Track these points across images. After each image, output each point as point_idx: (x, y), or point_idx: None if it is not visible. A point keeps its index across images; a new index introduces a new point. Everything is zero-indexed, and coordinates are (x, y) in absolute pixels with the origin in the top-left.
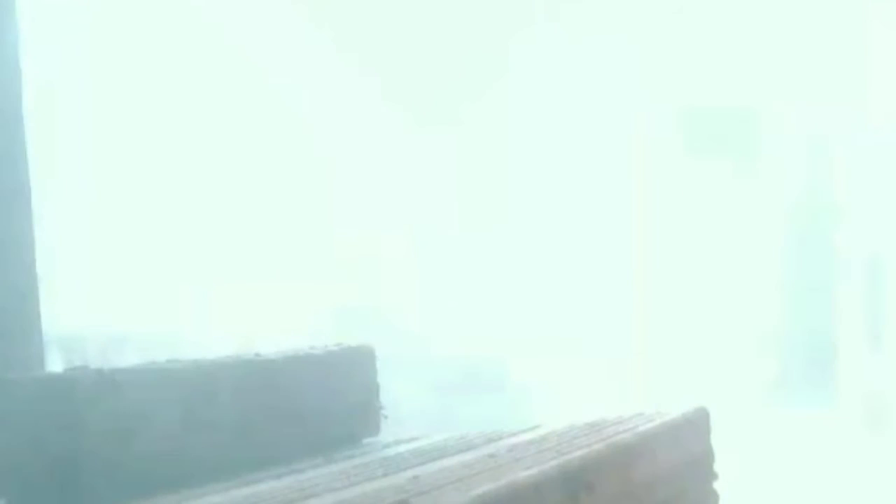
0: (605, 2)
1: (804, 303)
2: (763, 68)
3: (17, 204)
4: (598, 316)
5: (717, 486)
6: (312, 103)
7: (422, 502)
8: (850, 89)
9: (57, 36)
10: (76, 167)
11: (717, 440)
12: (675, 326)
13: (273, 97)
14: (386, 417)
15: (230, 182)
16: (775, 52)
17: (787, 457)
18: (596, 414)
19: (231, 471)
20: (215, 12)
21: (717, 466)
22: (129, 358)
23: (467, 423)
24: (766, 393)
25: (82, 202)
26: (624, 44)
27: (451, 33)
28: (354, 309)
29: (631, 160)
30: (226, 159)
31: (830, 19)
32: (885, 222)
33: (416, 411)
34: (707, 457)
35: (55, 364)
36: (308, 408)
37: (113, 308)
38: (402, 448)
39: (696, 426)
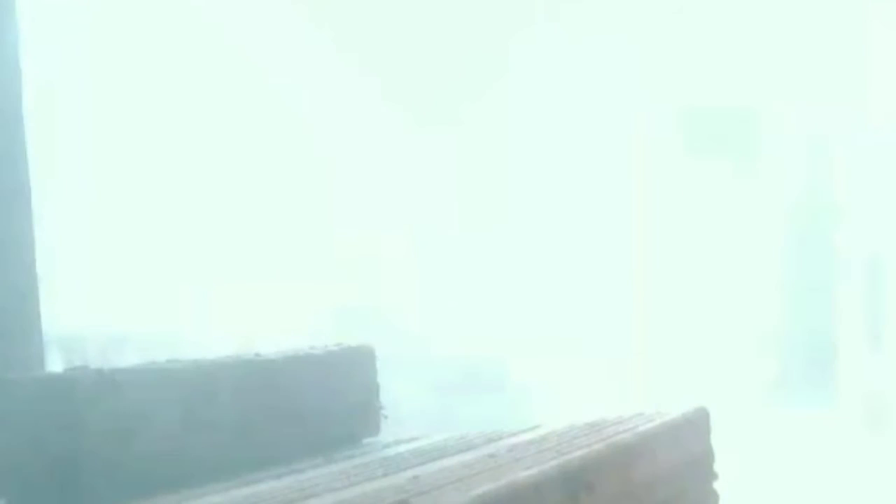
0: (605, 2)
1: (804, 302)
2: (763, 68)
3: (17, 204)
4: (598, 316)
5: (718, 486)
6: (312, 103)
7: (422, 502)
8: (850, 89)
9: (57, 36)
10: (76, 167)
11: (716, 440)
12: (675, 326)
13: (273, 97)
14: (386, 417)
15: (230, 182)
16: (775, 51)
17: (787, 457)
18: (596, 414)
19: (231, 471)
20: (215, 12)
21: (718, 466)
22: (129, 358)
23: (467, 423)
24: (766, 393)
25: (82, 202)
26: (624, 44)
27: (451, 33)
28: (354, 309)
29: (631, 160)
30: (226, 159)
31: (830, 19)
32: (886, 222)
33: (416, 411)
34: (707, 457)
35: (55, 364)
36: (308, 408)
37: (113, 308)
38: (402, 448)
39: (696, 426)
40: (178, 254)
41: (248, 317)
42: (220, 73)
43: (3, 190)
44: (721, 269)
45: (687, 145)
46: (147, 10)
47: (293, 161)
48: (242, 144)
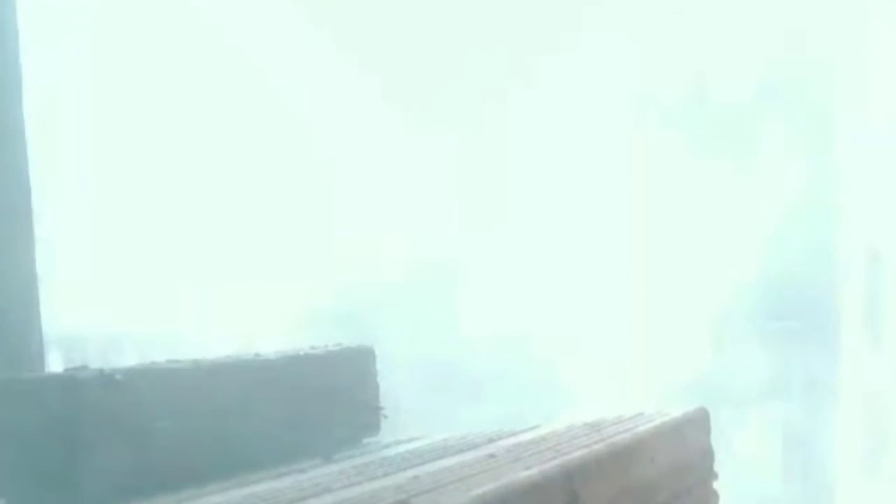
0: (605, 2)
1: (804, 302)
2: (763, 68)
3: (17, 204)
4: (598, 316)
5: (717, 486)
6: (312, 103)
7: (422, 502)
8: (850, 89)
9: (57, 35)
10: (76, 167)
11: (716, 440)
12: (675, 326)
13: (273, 97)
14: (386, 417)
15: (230, 182)
16: (775, 51)
17: (786, 457)
18: (596, 414)
19: (231, 471)
20: (215, 12)
21: (717, 466)
22: (129, 358)
23: (467, 423)
24: (766, 392)
25: (82, 202)
26: (624, 44)
27: (451, 33)
28: (354, 308)
29: (630, 160)
30: (226, 159)
31: (830, 19)
32: (886, 222)
33: (416, 411)
34: (707, 457)
35: (55, 364)
36: (308, 408)
37: (113, 308)
38: (402, 448)
39: (696, 426)
40: (178, 254)
41: (248, 317)
42: (219, 73)
43: (2, 190)
44: (721, 269)
45: (687, 145)
46: (146, 10)
47: (293, 161)
48: (242, 144)
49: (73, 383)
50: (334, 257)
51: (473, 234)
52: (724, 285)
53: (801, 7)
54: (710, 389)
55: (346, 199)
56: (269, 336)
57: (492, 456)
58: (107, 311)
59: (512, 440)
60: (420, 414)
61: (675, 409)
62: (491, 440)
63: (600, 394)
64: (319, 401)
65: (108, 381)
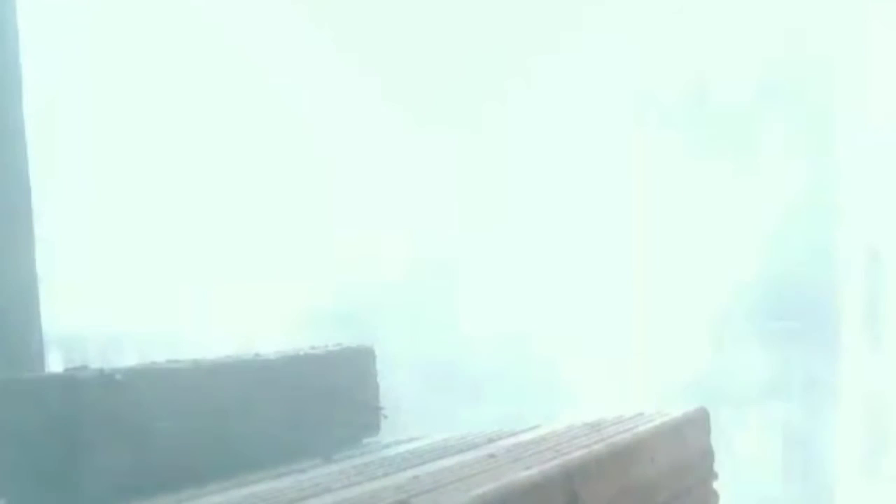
0: (605, 2)
1: (804, 302)
2: (763, 68)
3: (16, 204)
4: (598, 316)
5: (717, 486)
6: (312, 103)
7: (422, 502)
8: (850, 89)
9: (56, 35)
10: (76, 167)
11: (716, 440)
12: (675, 326)
13: (273, 97)
14: (386, 417)
15: (230, 182)
16: (775, 51)
17: (786, 457)
18: (596, 414)
19: (231, 471)
20: (215, 12)
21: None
22: (129, 358)
23: (467, 423)
24: (766, 392)
25: (82, 202)
26: (624, 44)
27: (451, 33)
28: (354, 308)
29: (630, 160)
30: (226, 159)
31: (830, 19)
32: (886, 222)
33: (416, 411)
34: (707, 457)
35: (55, 364)
36: (308, 408)
37: (113, 308)
38: (402, 448)
39: (696, 426)
40: (178, 254)
41: (248, 317)
42: (219, 73)
43: (2, 190)
44: (720, 269)
45: (687, 145)
46: (146, 10)
47: (293, 161)
48: (242, 144)
49: (73, 383)
50: (334, 257)
51: (473, 234)
52: (724, 285)
53: (801, 7)
54: (710, 389)
55: (346, 199)
56: (269, 336)
57: (492, 456)
58: (107, 311)
59: (512, 440)
60: (420, 414)
61: (675, 409)
62: (491, 440)
63: (600, 394)
64: (319, 401)
65: (108, 381)
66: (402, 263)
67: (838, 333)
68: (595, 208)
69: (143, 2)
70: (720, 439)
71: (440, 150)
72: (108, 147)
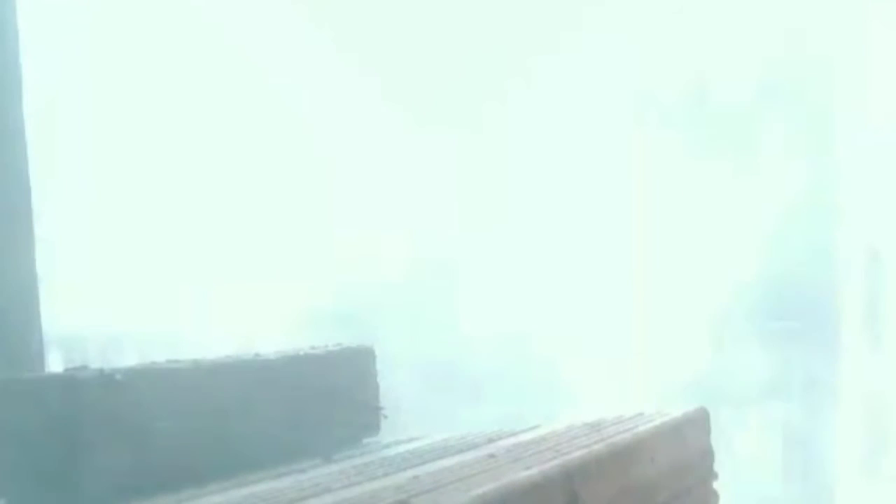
0: (605, 2)
1: (804, 302)
2: (763, 68)
3: (16, 204)
4: (598, 316)
5: (717, 485)
6: (312, 103)
7: (422, 502)
8: (850, 89)
9: (56, 35)
10: (76, 167)
11: (715, 440)
12: (675, 326)
13: (273, 97)
14: (386, 417)
15: (230, 182)
16: (776, 51)
17: (786, 457)
18: (596, 414)
19: (231, 471)
20: (215, 12)
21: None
22: (129, 358)
23: (467, 423)
24: (766, 392)
25: (82, 202)
26: (624, 44)
27: (451, 33)
28: (354, 308)
29: (630, 160)
30: (226, 159)
31: (830, 19)
32: (886, 222)
33: (416, 411)
34: (707, 457)
35: (55, 364)
36: (308, 408)
37: (113, 308)
38: (402, 448)
39: (696, 426)
40: (178, 254)
41: (249, 317)
42: (219, 73)
43: (2, 190)
44: (720, 268)
45: (687, 145)
46: (146, 10)
47: (293, 161)
48: (242, 144)
49: (73, 383)
50: (334, 257)
51: (473, 234)
52: (724, 285)
53: (801, 7)
54: (710, 389)
55: (346, 199)
56: (269, 336)
57: (492, 456)
58: (107, 311)
59: (512, 440)
60: (420, 414)
61: (675, 409)
62: (491, 440)
63: (600, 394)
64: (319, 401)
65: (108, 381)
66: (402, 263)
67: (838, 333)
68: (595, 208)
69: (143, 2)
70: (720, 439)
71: (440, 150)
72: (107, 147)
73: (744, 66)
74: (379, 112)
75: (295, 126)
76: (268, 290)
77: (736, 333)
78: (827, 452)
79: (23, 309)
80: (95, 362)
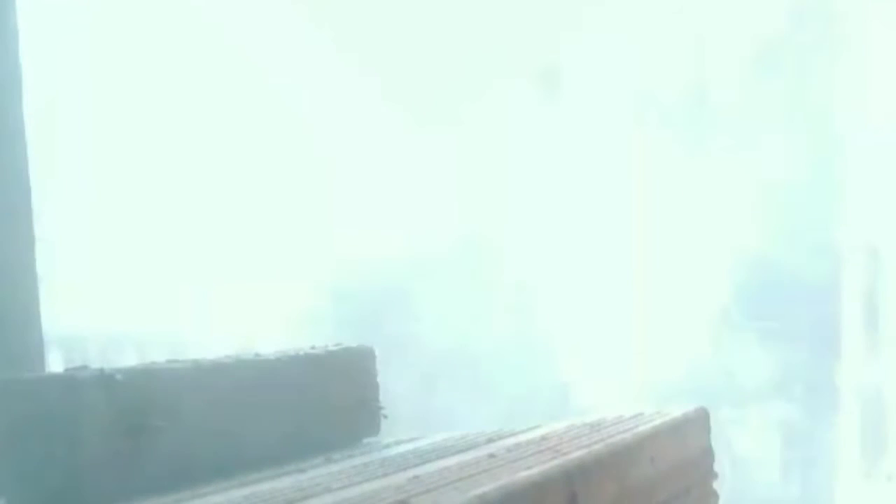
0: (605, 2)
1: (803, 302)
2: (764, 68)
3: (16, 204)
4: (597, 315)
5: (717, 485)
6: (312, 103)
7: (422, 502)
8: (850, 89)
9: (56, 35)
10: (76, 167)
11: (715, 440)
12: (675, 325)
13: (273, 97)
14: (386, 417)
15: (230, 182)
16: (776, 51)
17: (785, 457)
18: (596, 414)
19: (231, 471)
20: (215, 11)
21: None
22: (129, 358)
23: (467, 423)
24: (766, 392)
25: (82, 202)
26: (624, 44)
27: (451, 33)
28: (354, 308)
29: (630, 160)
30: (226, 159)
31: (830, 18)
32: (886, 222)
33: (416, 411)
34: (707, 457)
35: (55, 364)
36: (308, 408)
37: (113, 308)
38: (402, 448)
39: (696, 426)
40: (178, 254)
41: (249, 317)
42: (219, 73)
43: (2, 190)
44: (719, 268)
45: (687, 144)
46: (146, 10)
47: (293, 161)
48: (242, 144)
49: (73, 383)
50: (334, 257)
51: (473, 233)
52: (724, 285)
53: (801, 7)
54: (709, 389)
55: (346, 199)
56: (269, 336)
57: (492, 456)
58: (107, 311)
59: (512, 440)
60: (420, 414)
61: (675, 409)
62: (491, 440)
63: (600, 394)
64: (319, 401)
65: (108, 381)
66: (402, 263)
67: (838, 333)
68: (594, 208)
69: (143, 2)
70: (720, 439)
71: (440, 150)
72: (107, 147)
73: (743, 65)
74: (379, 112)
75: (295, 126)
76: (268, 291)
77: (735, 333)
78: (827, 452)
79: (23, 309)
80: (95, 362)
